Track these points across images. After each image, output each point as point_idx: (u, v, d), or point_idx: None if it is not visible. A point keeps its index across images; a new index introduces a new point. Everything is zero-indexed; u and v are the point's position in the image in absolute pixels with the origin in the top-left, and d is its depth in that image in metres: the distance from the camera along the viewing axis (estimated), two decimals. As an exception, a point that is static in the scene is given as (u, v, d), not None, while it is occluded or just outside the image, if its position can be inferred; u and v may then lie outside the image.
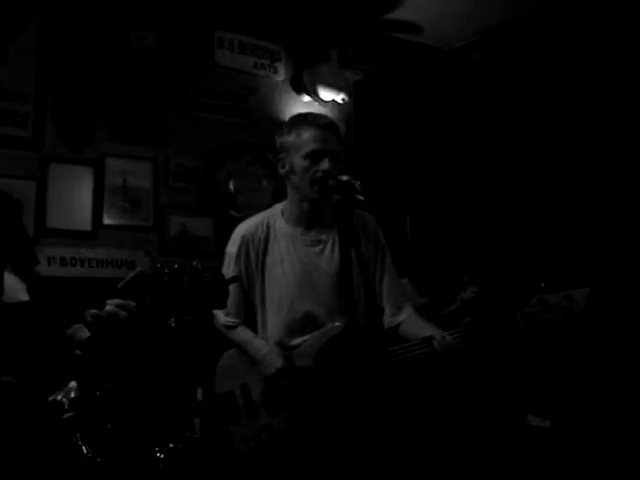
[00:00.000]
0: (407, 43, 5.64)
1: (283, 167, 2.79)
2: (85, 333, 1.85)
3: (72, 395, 2.70)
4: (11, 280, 1.94)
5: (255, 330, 2.82)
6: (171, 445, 3.16)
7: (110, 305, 1.80)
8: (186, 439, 3.26)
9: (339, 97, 5.18)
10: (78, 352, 1.91)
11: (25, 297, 1.92)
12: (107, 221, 4.30)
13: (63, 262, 4.08)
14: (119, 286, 1.81)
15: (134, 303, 1.79)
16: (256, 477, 2.66)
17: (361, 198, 2.55)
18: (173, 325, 1.86)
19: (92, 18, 4.30)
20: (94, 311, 1.78)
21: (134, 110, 4.44)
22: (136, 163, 4.42)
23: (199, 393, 3.53)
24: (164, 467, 3.03)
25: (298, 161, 2.69)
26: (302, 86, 5.11)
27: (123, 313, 1.78)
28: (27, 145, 4.07)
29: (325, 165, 2.65)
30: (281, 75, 5.10)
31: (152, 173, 4.47)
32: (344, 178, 2.56)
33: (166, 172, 4.54)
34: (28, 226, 3.77)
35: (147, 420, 3.20)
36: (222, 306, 1.93)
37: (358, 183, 2.55)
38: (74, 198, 4.20)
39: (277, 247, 2.80)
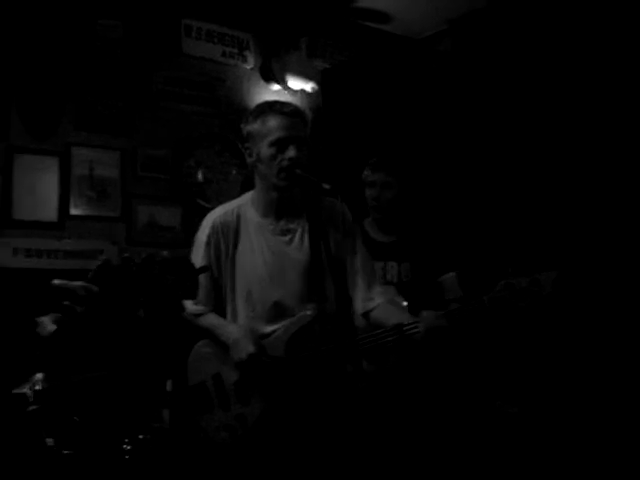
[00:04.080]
0: (376, 32, 5.63)
1: (250, 156, 2.78)
2: (50, 327, 1.83)
3: (38, 387, 2.68)
4: None
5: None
6: (140, 437, 3.14)
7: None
8: (155, 430, 3.24)
9: (308, 86, 5.17)
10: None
11: None
12: (74, 211, 4.25)
13: (29, 253, 4.03)
14: (89, 277, 1.79)
15: (97, 288, 1.77)
16: (230, 467, 2.65)
17: (327, 186, 2.56)
18: (142, 316, 1.84)
19: (58, 6, 4.24)
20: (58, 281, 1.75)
21: (101, 99, 4.38)
22: (103, 153, 4.38)
23: (168, 384, 3.51)
24: (132, 459, 3.01)
25: (264, 149, 2.68)
26: (271, 75, 5.09)
27: (83, 292, 1.75)
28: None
29: (291, 153, 2.64)
30: (250, 64, 5.08)
31: (120, 163, 4.43)
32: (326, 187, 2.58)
33: (134, 162, 4.49)
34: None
35: (115, 412, 3.18)
36: (192, 296, 1.92)
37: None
38: (40, 189, 4.14)
39: (247, 236, 2.79)
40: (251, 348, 2.61)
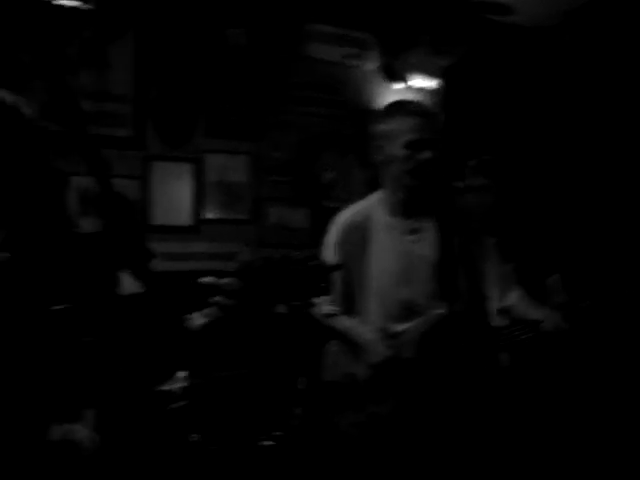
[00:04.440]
0: (497, 25, 5.54)
1: (380, 156, 2.79)
2: (200, 321, 1.92)
3: (181, 385, 2.80)
4: (128, 277, 2.03)
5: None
6: (276, 433, 3.23)
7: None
8: (289, 427, 3.31)
9: (430, 83, 5.16)
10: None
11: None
12: (208, 215, 4.45)
13: (168, 257, 4.21)
14: (232, 274, 1.86)
15: (242, 284, 1.83)
16: (362, 465, 2.69)
17: (460, 185, 2.55)
18: (283, 312, 1.90)
19: (186, 18, 4.41)
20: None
21: (230, 106, 4.55)
22: (234, 158, 4.55)
23: (301, 382, 3.58)
24: (271, 454, 3.10)
25: (396, 150, 2.67)
26: (393, 74, 5.11)
27: (231, 288, 1.82)
28: (129, 145, 4.22)
29: (425, 155, 2.64)
30: (372, 64, 5.11)
31: (249, 167, 4.59)
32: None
33: (263, 165, 4.65)
34: (133, 223, 3.95)
35: (252, 409, 3.27)
36: (325, 293, 1.96)
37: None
38: (176, 195, 4.34)
39: (376, 236, 2.80)
40: (386, 352, 2.64)
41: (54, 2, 1.37)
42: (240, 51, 4.60)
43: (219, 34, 4.53)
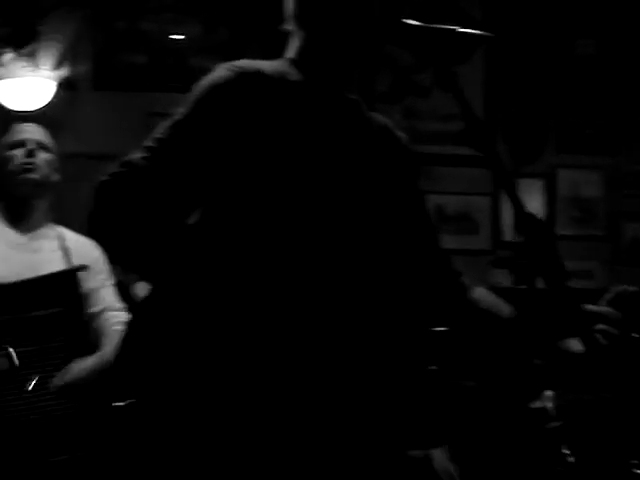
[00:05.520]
0: None
1: None
2: (577, 347, 1.87)
3: (551, 403, 2.76)
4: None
5: None
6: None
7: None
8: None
9: None
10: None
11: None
12: (560, 231, 4.39)
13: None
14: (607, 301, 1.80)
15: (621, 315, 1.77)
16: None
17: None
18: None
19: (534, 32, 4.40)
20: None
21: (582, 120, 4.47)
22: (587, 172, 4.49)
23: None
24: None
25: None
26: None
27: (614, 317, 1.76)
28: (480, 163, 4.27)
29: None
30: None
31: (604, 181, 4.49)
32: None
33: (619, 180, 4.50)
34: (485, 239, 4.04)
35: (616, 433, 3.14)
36: None
37: None
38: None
39: None
40: None
41: (457, 30, 1.41)
42: (590, 61, 4.47)
43: (568, 46, 4.44)
